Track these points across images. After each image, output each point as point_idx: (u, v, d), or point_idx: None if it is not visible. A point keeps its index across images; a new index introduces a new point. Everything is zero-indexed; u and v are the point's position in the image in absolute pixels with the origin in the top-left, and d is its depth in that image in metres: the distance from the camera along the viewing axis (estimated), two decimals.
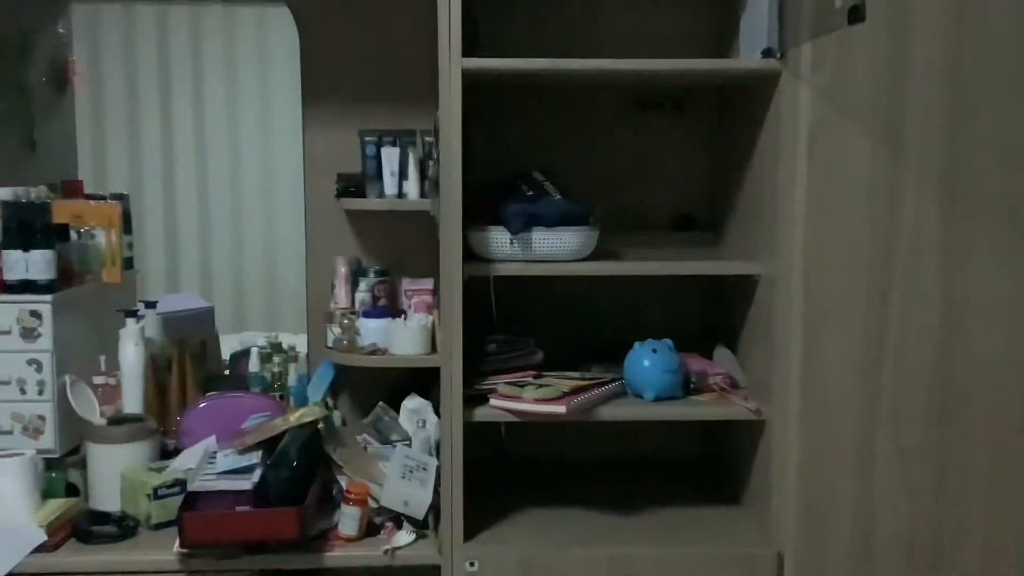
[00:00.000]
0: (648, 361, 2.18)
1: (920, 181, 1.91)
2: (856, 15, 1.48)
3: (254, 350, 2.62)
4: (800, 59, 1.96)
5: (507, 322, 2.39)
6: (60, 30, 2.86)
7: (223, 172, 3.96)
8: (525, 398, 2.07)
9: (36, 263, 2.22)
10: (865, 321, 1.95)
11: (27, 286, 2.22)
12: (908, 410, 1.97)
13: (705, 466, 2.59)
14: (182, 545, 1.99)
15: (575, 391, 2.11)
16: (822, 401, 1.99)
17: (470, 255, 2.13)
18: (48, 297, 2.22)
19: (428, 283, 2.50)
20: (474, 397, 2.13)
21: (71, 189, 2.62)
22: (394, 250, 2.60)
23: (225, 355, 2.87)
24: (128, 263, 2.63)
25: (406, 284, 2.53)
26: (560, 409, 2.04)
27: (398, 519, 2.15)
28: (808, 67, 1.94)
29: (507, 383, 2.14)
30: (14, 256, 2.22)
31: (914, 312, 1.94)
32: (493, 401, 2.11)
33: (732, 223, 2.42)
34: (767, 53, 2.04)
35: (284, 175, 3.94)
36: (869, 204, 1.93)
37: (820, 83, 1.93)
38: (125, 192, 2.74)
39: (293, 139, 3.82)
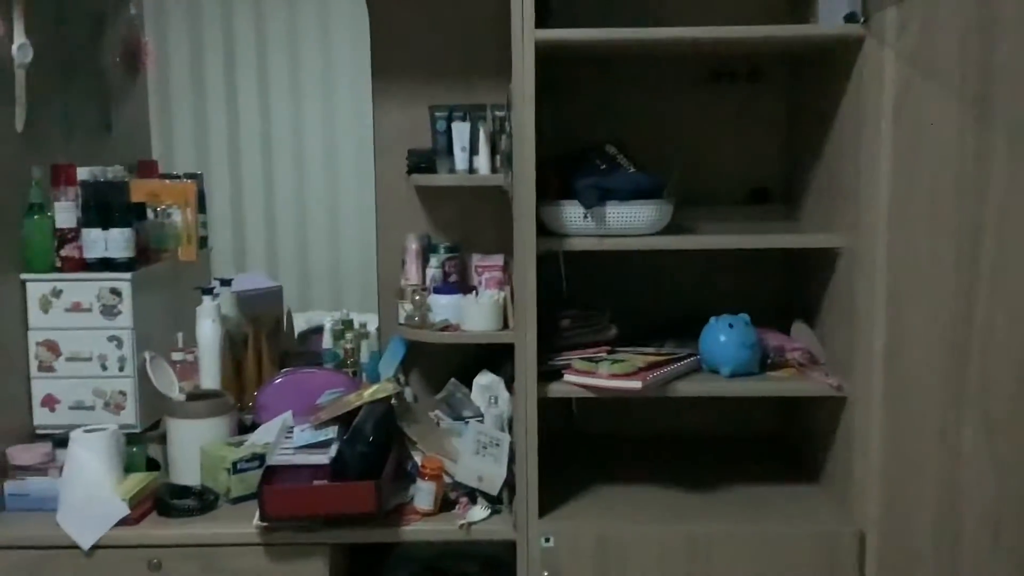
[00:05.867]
0: (724, 336, 2.14)
1: (1011, 147, 1.84)
2: None
3: (327, 327, 2.64)
4: (884, 24, 1.89)
5: (578, 297, 2.37)
6: (132, 11, 2.88)
7: (287, 149, 3.98)
8: (600, 373, 2.05)
9: (115, 241, 2.25)
10: (952, 293, 1.90)
11: (106, 264, 2.25)
12: (996, 384, 1.91)
13: (782, 442, 2.54)
14: (262, 519, 2.01)
15: (650, 367, 2.08)
16: (906, 376, 1.94)
17: (542, 229, 2.11)
18: (127, 275, 2.25)
19: (498, 259, 2.48)
20: (548, 373, 2.11)
21: (146, 169, 2.66)
22: (464, 226, 2.59)
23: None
24: (203, 242, 2.66)
25: (476, 260, 2.51)
26: (636, 385, 2.01)
27: (472, 494, 2.15)
28: (893, 32, 1.87)
29: (581, 359, 2.12)
30: (93, 235, 2.25)
31: (1004, 283, 1.88)
32: (568, 376, 2.09)
33: (809, 195, 2.36)
34: (850, 18, 1.97)
35: (348, 149, 3.94)
36: (957, 172, 1.87)
37: (905, 48, 1.86)
38: (199, 172, 2.76)
39: (356, 113, 3.81)
